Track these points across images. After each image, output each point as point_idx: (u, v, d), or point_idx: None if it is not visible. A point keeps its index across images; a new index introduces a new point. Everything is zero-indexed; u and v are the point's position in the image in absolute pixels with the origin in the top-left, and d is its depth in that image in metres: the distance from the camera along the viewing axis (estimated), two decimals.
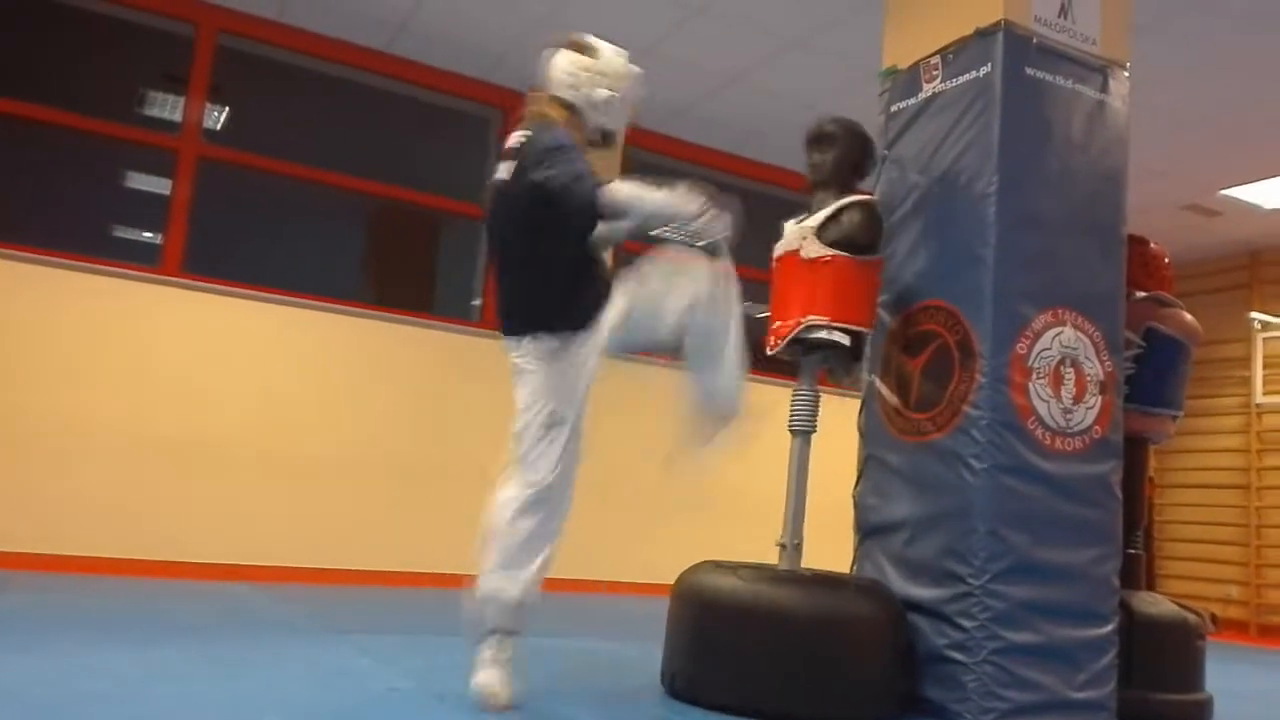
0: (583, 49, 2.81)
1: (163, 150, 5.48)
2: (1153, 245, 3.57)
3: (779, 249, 3.21)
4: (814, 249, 3.05)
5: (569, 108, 2.76)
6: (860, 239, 3.05)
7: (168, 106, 5.99)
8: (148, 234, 6.77)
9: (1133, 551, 3.42)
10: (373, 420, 5.53)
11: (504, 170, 2.72)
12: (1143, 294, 3.48)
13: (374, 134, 6.53)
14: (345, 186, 6.03)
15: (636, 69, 2.87)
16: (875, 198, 3.29)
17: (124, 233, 7.49)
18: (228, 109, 6.11)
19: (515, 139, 2.73)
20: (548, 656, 2.84)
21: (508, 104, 6.22)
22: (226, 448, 5.12)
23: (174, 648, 3.18)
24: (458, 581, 5.54)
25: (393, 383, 5.64)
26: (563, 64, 2.78)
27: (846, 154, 3.18)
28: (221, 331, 5.24)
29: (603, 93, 2.77)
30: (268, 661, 3.09)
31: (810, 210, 3.19)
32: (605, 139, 2.87)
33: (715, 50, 5.48)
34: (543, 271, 2.69)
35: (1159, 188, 6.61)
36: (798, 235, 3.12)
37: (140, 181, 6.95)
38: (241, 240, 6.59)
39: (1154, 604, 3.35)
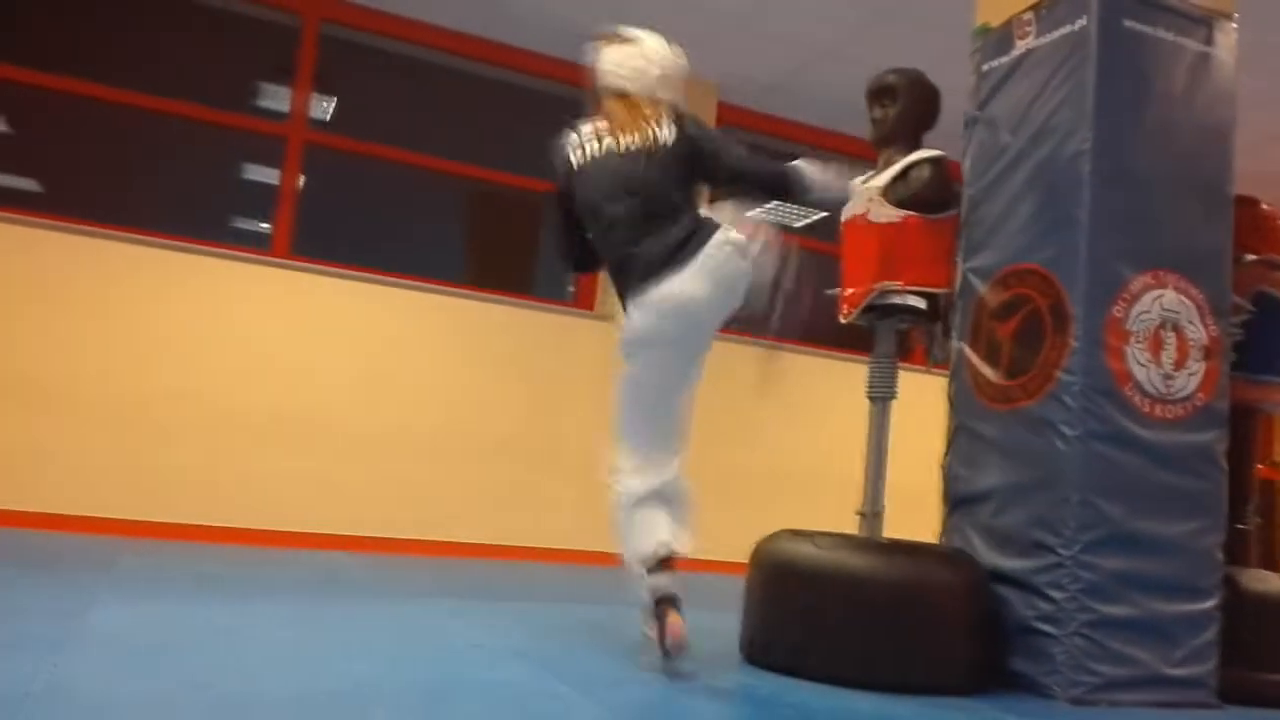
0: (625, 41, 2.85)
1: (274, 140, 5.69)
2: (1265, 206, 3.38)
3: (846, 212, 3.16)
4: (883, 211, 2.98)
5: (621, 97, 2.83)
6: (930, 196, 2.98)
7: (280, 98, 6.22)
8: (265, 225, 7.06)
9: (1242, 527, 3.26)
10: (471, 398, 5.65)
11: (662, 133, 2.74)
12: (1253, 257, 3.30)
13: (474, 118, 6.65)
14: (446, 170, 6.17)
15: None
16: (942, 152, 3.18)
17: (243, 224, 7.81)
18: (336, 99, 6.32)
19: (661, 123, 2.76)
20: (628, 625, 2.87)
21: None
22: (330, 423, 5.29)
23: (269, 604, 3.32)
24: (551, 555, 5.63)
25: (490, 361, 5.75)
26: (618, 59, 2.84)
27: (910, 107, 3.09)
28: (326, 311, 5.42)
29: (655, 72, 2.82)
30: (357, 618, 3.19)
31: (877, 169, 3.12)
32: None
33: (807, 23, 5.41)
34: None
35: None
36: (864, 197, 3.06)
37: (256, 173, 7.24)
38: (349, 225, 6.81)
39: (1263, 581, 3.18)
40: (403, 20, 5.82)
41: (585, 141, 2.81)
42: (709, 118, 6.26)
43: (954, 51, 4.04)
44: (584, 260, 2.98)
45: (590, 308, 6.07)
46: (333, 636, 2.83)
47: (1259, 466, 7.50)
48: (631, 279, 2.68)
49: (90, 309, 4.95)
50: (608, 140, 2.77)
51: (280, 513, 5.13)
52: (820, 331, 6.17)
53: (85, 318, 4.94)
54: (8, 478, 4.70)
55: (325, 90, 6.14)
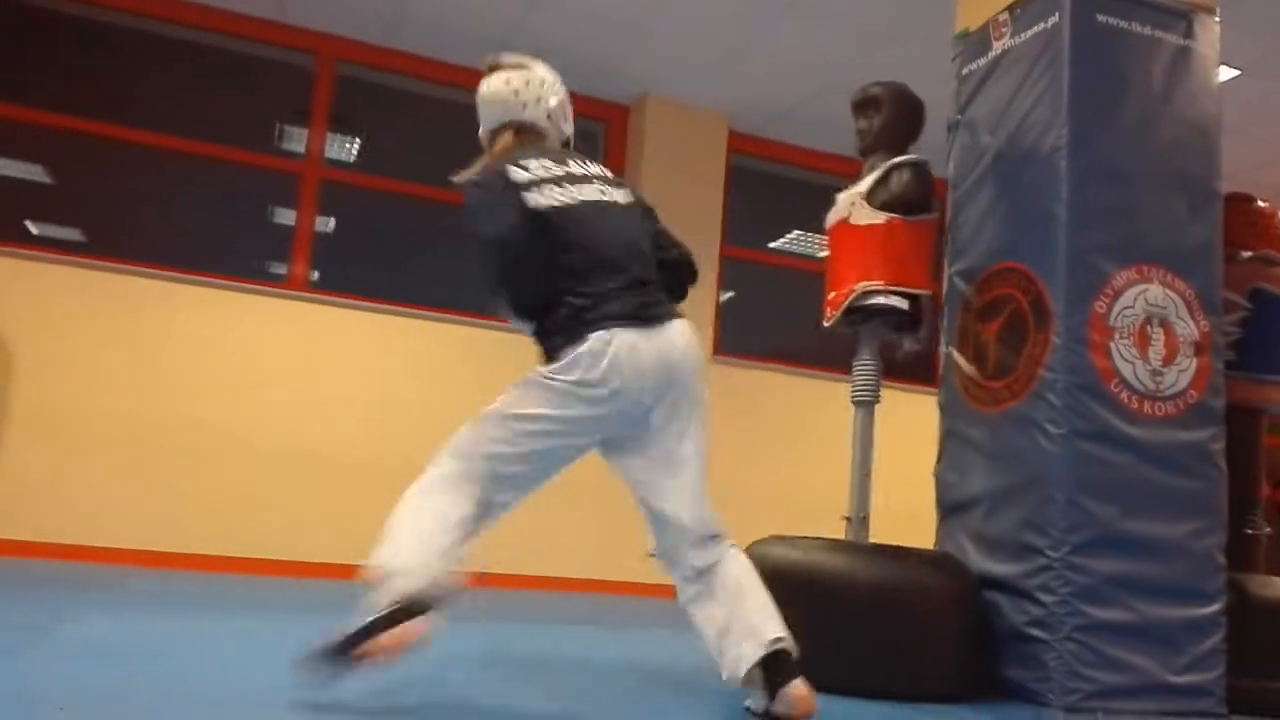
0: (515, 67, 2.51)
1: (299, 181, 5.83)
2: (1260, 202, 3.31)
3: (831, 218, 3.16)
4: (865, 214, 2.98)
5: (520, 129, 2.46)
6: (911, 198, 2.97)
7: (304, 140, 6.38)
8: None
9: (1250, 531, 3.15)
10: None
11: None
12: (1248, 254, 3.22)
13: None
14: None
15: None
16: (922, 157, 3.16)
17: (278, 268, 7.98)
18: (358, 140, 6.46)
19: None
20: (608, 645, 2.85)
21: (613, 117, 6.35)
22: (345, 454, 5.33)
23: (251, 620, 3.36)
24: (569, 585, 5.56)
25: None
26: (503, 85, 2.47)
27: (894, 118, 3.09)
28: (345, 345, 5.49)
29: (553, 99, 2.48)
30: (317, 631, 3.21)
31: (860, 176, 3.12)
32: (567, 145, 2.55)
33: (815, 49, 5.42)
34: None
35: None
36: (847, 202, 3.06)
37: (286, 217, 7.40)
38: (375, 262, 6.92)
39: (1270, 586, 3.06)
40: (417, 58, 5.95)
41: (547, 182, 2.29)
42: (720, 148, 6.30)
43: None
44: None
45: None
46: (284, 647, 2.84)
47: None
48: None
49: (112, 343, 5.08)
50: (587, 188, 2.33)
51: (295, 544, 5.16)
52: (798, 351, 6.14)
53: (106, 350, 5.06)
54: (34, 509, 4.80)
55: (348, 132, 6.28)
